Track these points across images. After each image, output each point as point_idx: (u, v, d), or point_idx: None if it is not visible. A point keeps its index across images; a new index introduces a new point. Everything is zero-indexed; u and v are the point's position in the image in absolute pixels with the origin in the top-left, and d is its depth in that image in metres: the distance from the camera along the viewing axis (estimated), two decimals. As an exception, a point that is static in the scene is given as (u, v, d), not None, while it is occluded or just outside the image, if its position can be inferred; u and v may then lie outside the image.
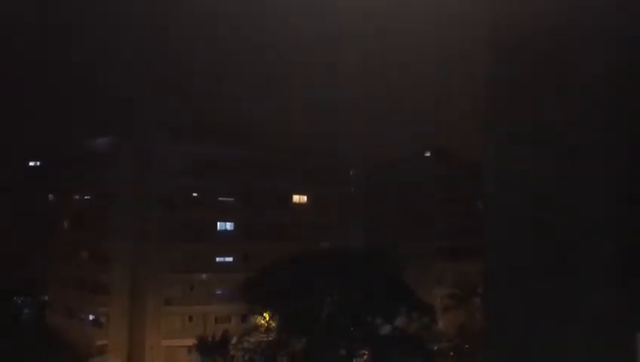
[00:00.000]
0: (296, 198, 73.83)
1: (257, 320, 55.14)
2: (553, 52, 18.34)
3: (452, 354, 70.12)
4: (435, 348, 59.02)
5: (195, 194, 68.54)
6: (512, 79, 19.55)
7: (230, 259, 69.22)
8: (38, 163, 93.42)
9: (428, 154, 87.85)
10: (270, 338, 50.39)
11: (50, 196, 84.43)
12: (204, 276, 66.85)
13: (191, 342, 58.57)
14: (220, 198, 69.55)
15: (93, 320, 67.90)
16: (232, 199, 70.16)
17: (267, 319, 53.50)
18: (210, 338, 56.26)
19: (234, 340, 53.84)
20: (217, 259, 68.59)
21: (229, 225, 69.76)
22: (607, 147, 17.23)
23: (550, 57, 18.42)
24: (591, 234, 17.61)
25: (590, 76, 17.39)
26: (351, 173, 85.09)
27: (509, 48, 19.61)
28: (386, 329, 50.04)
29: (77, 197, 76.37)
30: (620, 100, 16.93)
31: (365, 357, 51.84)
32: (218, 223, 69.10)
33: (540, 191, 18.81)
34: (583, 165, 17.64)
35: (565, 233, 18.25)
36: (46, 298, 78.91)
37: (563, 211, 18.28)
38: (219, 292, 67.78)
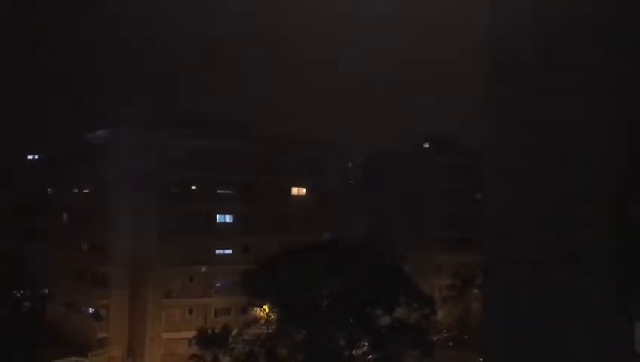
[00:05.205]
0: (295, 190, 73.78)
1: (257, 312, 55.25)
2: (553, 50, 18.32)
3: (451, 344, 70.41)
4: (435, 338, 59.21)
5: (194, 187, 68.50)
6: (511, 76, 19.53)
7: (229, 251, 69.20)
8: (36, 156, 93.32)
9: (427, 145, 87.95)
10: (270, 330, 50.50)
11: (48, 189, 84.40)
12: (203, 268, 66.87)
13: (191, 334, 58.69)
14: (219, 190, 69.48)
15: (93, 312, 67.98)
16: (231, 191, 70.10)
17: (267, 311, 53.62)
18: (210, 331, 56.34)
19: (234, 332, 53.94)
20: (217, 251, 68.57)
21: (228, 217, 69.74)
22: (607, 139, 17.25)
23: (550, 55, 18.40)
24: (590, 225, 17.63)
25: (590, 76, 17.38)
26: (350, 164, 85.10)
27: (508, 45, 19.59)
28: (385, 320, 50.17)
29: (76, 190, 76.35)
30: (620, 100, 16.93)
31: (365, 347, 51.98)
32: (217, 215, 69.07)
33: (539, 183, 18.83)
34: (583, 159, 17.65)
35: (564, 224, 18.27)
36: (46, 291, 78.96)
37: (562, 202, 18.30)
38: (218, 285, 67.84)
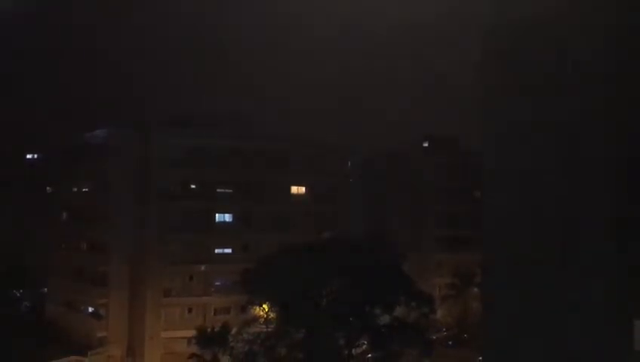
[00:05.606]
0: (294, 189, 73.75)
1: (257, 311, 55.24)
2: (552, 50, 18.33)
3: (451, 343, 70.46)
4: (434, 337, 59.23)
5: (193, 186, 68.50)
6: (511, 75, 19.55)
7: (229, 250, 69.18)
8: (36, 155, 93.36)
9: (426, 144, 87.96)
10: (269, 329, 50.48)
11: (48, 188, 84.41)
12: (203, 267, 66.85)
13: (190, 333, 58.67)
14: (219, 189, 69.47)
15: (93, 312, 67.98)
16: (230, 190, 70.09)
17: (266, 310, 53.60)
18: (209, 330, 56.33)
19: (233, 331, 53.92)
20: (216, 250, 68.56)
21: (227, 216, 69.72)
22: (607, 139, 17.27)
23: (549, 55, 18.42)
24: (590, 224, 17.64)
25: (590, 76, 17.39)
26: (350, 164, 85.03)
27: (508, 45, 19.61)
28: (385, 319, 50.17)
29: (75, 189, 76.33)
30: (619, 101, 16.95)
31: (364, 346, 52.00)
32: (217, 214, 69.05)
33: (539, 182, 18.84)
34: (583, 159, 17.67)
35: (564, 223, 18.28)
36: (45, 290, 78.98)
37: (562, 201, 18.32)
38: (218, 284, 67.81)
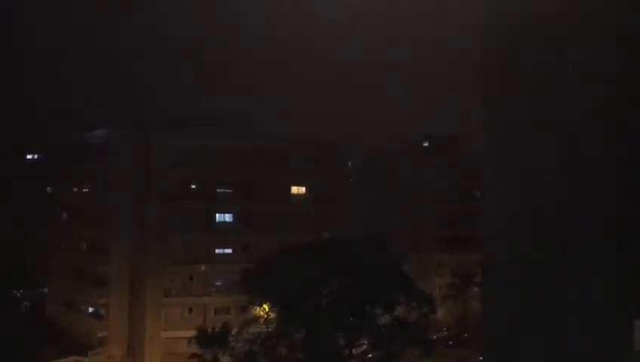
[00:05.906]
0: (295, 190, 73.77)
1: (257, 311, 55.26)
2: (552, 50, 18.34)
3: (451, 343, 70.48)
4: (434, 337, 59.24)
5: (193, 186, 68.53)
6: (511, 76, 19.55)
7: (229, 250, 69.22)
8: (36, 155, 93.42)
9: (426, 144, 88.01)
10: (270, 329, 50.48)
11: (48, 188, 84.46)
12: (203, 267, 66.90)
13: (191, 333, 58.70)
14: (219, 189, 69.50)
15: (93, 312, 68.02)
16: (231, 190, 70.12)
17: (267, 310, 53.61)
18: (209, 330, 56.35)
19: (234, 331, 53.94)
20: (216, 250, 68.59)
21: (227, 216, 69.76)
22: (607, 139, 17.29)
23: (549, 55, 18.43)
24: (590, 224, 17.65)
25: (590, 76, 17.40)
26: (350, 164, 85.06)
27: (508, 45, 19.61)
28: (385, 319, 50.17)
29: (75, 189, 76.37)
30: (619, 101, 16.96)
31: (364, 346, 52.01)
32: (217, 214, 69.08)
33: (539, 182, 18.85)
34: (583, 159, 17.68)
35: (564, 223, 18.29)
36: (45, 290, 79.01)
37: (562, 201, 18.32)
38: (218, 284, 67.85)
